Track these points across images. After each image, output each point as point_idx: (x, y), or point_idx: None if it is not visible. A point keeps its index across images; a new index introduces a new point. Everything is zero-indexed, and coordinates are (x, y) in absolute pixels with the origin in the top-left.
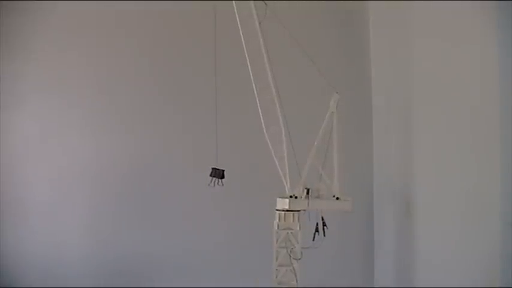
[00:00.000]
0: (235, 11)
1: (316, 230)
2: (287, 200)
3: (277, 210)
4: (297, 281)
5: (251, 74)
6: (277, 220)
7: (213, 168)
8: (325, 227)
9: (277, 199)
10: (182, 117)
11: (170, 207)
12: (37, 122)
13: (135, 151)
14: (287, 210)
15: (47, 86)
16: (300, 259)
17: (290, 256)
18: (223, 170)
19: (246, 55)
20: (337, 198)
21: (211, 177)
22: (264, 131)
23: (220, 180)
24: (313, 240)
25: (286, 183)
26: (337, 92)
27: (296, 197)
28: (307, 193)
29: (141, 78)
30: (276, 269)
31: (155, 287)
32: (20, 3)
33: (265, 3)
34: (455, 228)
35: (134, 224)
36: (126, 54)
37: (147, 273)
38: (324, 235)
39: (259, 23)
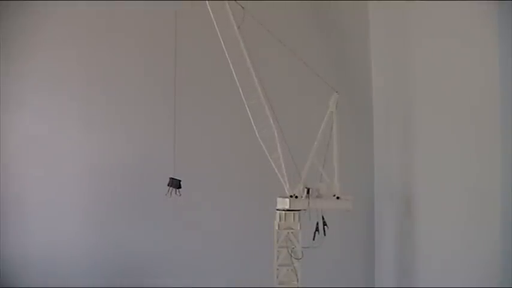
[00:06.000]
0: (212, 16)
1: (317, 230)
2: (287, 200)
3: (277, 210)
4: (297, 281)
5: (236, 80)
6: (278, 220)
7: (170, 178)
8: (325, 227)
9: (278, 199)
10: (184, 117)
11: (171, 207)
12: (37, 121)
13: (135, 151)
14: (287, 210)
15: (47, 86)
16: (300, 259)
17: (291, 256)
18: (179, 180)
19: (229, 60)
20: (338, 198)
21: (168, 187)
22: (256, 133)
23: (177, 190)
24: (314, 239)
25: (285, 183)
26: (336, 92)
27: (296, 197)
28: (308, 192)
29: (141, 78)
30: (277, 269)
31: (155, 286)
32: (20, 4)
33: (243, 7)
34: (455, 228)
35: (135, 223)
36: (127, 55)
37: (148, 272)
38: (325, 234)
39: (238, 27)
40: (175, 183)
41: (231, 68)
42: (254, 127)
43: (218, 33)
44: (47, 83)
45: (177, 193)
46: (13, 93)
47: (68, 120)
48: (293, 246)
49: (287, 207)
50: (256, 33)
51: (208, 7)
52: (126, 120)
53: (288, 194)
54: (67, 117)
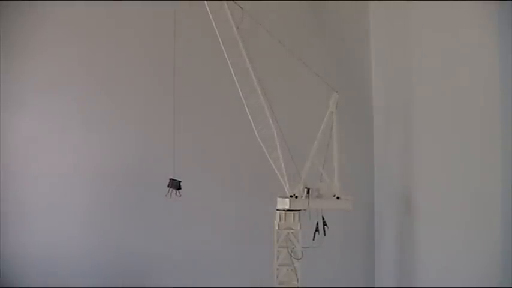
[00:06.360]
0: (210, 16)
1: (317, 230)
2: (287, 200)
3: (277, 210)
4: (297, 281)
5: (236, 80)
6: (278, 220)
7: (170, 179)
8: (325, 227)
9: (278, 199)
10: (183, 118)
11: (171, 207)
12: (37, 121)
13: (136, 150)
14: (287, 210)
15: (47, 86)
16: (300, 259)
17: (291, 256)
18: (179, 181)
19: (228, 60)
20: (338, 198)
21: (168, 188)
22: (256, 134)
23: (177, 191)
24: (314, 239)
25: (285, 183)
26: (336, 92)
27: (296, 197)
28: (308, 193)
29: (141, 78)
30: (277, 269)
31: (155, 286)
32: (20, 4)
33: (241, 7)
34: (455, 228)
35: (135, 223)
36: (127, 54)
37: (148, 272)
38: (325, 234)
39: (237, 27)
40: (175, 184)
41: (230, 68)
42: (254, 127)
43: (217, 33)
44: (47, 82)
45: (177, 194)
46: (13, 93)
47: (68, 120)
48: (293, 246)
49: (287, 207)
50: (256, 34)
51: (207, 7)
52: (125, 120)
53: (288, 194)
54: (67, 117)
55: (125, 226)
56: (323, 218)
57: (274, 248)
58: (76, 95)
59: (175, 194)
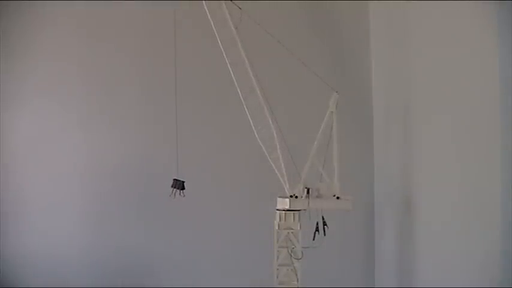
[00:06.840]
0: (209, 16)
1: (317, 230)
2: (287, 200)
3: (277, 210)
4: (297, 281)
5: (235, 80)
6: (278, 220)
7: (174, 180)
8: (325, 227)
9: (278, 199)
10: (183, 118)
11: (171, 207)
12: (37, 122)
13: (135, 150)
14: (287, 210)
15: (47, 86)
16: (300, 259)
17: (291, 256)
18: (183, 181)
19: (227, 60)
20: (338, 198)
21: (172, 188)
22: (256, 134)
23: (181, 191)
24: (314, 239)
25: (285, 183)
26: (336, 92)
27: (296, 197)
28: (308, 192)
29: (141, 78)
30: (277, 269)
31: (155, 286)
32: (20, 4)
33: (240, 8)
34: (455, 228)
35: (135, 223)
36: (127, 54)
37: (148, 272)
38: (325, 234)
39: (236, 27)
40: (179, 185)
41: (229, 68)
42: (253, 127)
43: (216, 33)
44: (47, 82)
45: (181, 194)
46: (13, 93)
47: (68, 120)
48: (293, 246)
49: (287, 207)
50: (255, 34)
51: (205, 7)
52: (125, 121)
53: (288, 194)
54: (67, 117)
55: (125, 226)
56: (323, 218)
57: (274, 248)
58: (76, 95)
59: (179, 194)
